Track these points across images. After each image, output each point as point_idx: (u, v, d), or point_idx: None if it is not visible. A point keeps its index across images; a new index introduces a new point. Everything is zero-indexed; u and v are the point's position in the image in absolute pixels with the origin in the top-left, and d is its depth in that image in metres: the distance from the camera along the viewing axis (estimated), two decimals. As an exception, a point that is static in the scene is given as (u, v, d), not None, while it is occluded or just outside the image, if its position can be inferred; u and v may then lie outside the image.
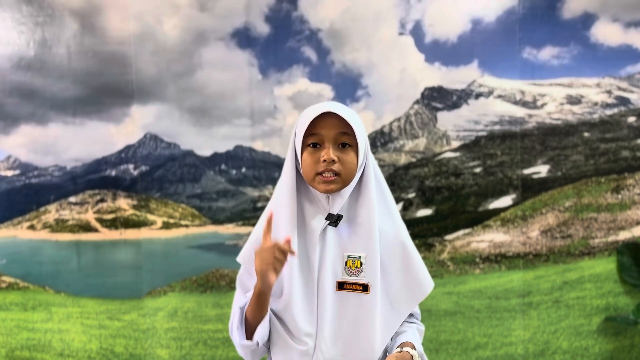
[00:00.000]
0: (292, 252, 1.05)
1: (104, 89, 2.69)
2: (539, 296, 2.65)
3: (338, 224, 1.15)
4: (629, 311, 2.60)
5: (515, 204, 2.68)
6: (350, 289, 1.13)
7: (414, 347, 1.15)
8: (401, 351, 1.12)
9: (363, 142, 1.15)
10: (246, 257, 1.22)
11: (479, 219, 2.70)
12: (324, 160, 1.10)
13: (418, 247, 2.67)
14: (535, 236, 2.69)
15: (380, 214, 1.17)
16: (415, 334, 1.22)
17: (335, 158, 1.11)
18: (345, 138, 1.13)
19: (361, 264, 1.13)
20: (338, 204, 1.15)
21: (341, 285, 1.13)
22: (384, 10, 2.67)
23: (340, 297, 1.13)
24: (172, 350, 2.69)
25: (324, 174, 1.11)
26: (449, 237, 2.71)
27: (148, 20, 2.67)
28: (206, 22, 2.69)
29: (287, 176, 1.16)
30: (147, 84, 2.70)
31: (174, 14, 2.68)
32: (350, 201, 1.17)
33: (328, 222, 1.15)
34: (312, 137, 1.13)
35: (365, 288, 1.12)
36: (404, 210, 2.74)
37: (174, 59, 2.70)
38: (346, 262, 1.14)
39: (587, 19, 2.64)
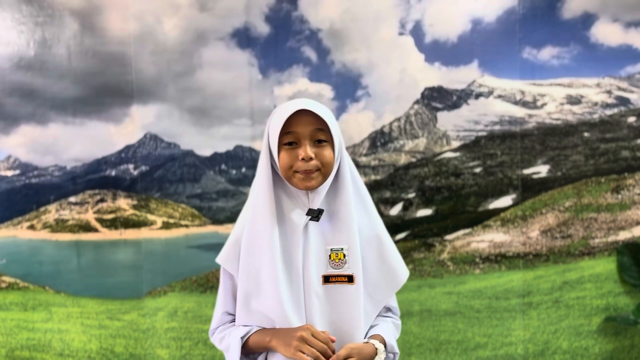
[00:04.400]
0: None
1: (104, 89, 2.69)
2: (539, 296, 2.65)
3: (319, 218, 1.16)
4: (629, 311, 2.59)
5: (515, 204, 2.68)
6: (336, 281, 1.14)
7: (383, 341, 1.17)
8: (367, 342, 1.14)
9: (338, 137, 1.16)
10: (225, 257, 1.22)
11: (479, 219, 2.70)
12: (302, 159, 1.11)
13: (418, 247, 2.69)
14: (535, 236, 2.69)
15: (356, 209, 1.18)
16: (388, 327, 1.24)
17: (313, 155, 1.11)
18: (321, 134, 1.13)
19: (344, 255, 1.15)
20: (317, 199, 1.17)
21: (327, 279, 1.15)
22: (384, 10, 2.67)
23: (327, 290, 1.15)
24: (172, 350, 2.69)
25: (303, 171, 1.12)
26: (449, 237, 2.71)
27: (148, 20, 2.67)
28: (206, 22, 2.69)
29: (262, 175, 1.17)
30: (147, 84, 2.70)
31: (174, 14, 2.67)
32: (328, 196, 1.18)
33: (310, 217, 1.16)
34: (288, 135, 1.13)
35: (350, 279, 1.14)
36: (404, 210, 2.74)
37: (174, 59, 2.70)
38: (330, 255, 1.15)
39: (587, 19, 2.64)
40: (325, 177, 1.15)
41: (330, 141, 1.14)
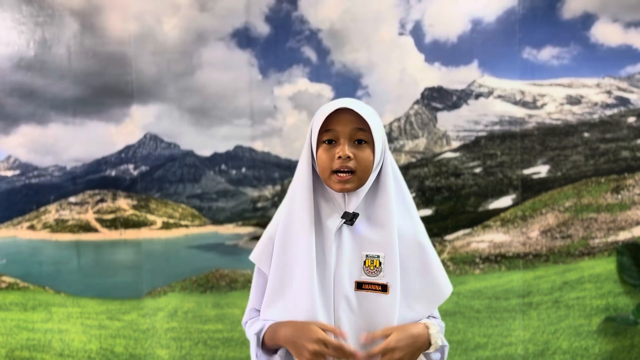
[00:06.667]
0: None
1: (104, 89, 2.69)
2: (539, 296, 2.65)
3: (354, 222, 1.13)
4: (629, 311, 2.59)
5: (515, 204, 2.68)
6: (369, 289, 1.10)
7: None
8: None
9: (380, 140, 1.13)
10: (259, 256, 1.21)
11: (479, 219, 2.70)
12: (339, 157, 1.09)
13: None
14: (535, 236, 2.69)
15: (399, 214, 1.14)
16: (431, 320, 1.19)
17: (351, 154, 1.09)
18: (361, 134, 1.11)
19: (380, 263, 1.10)
20: (354, 202, 1.13)
21: (360, 285, 1.10)
22: (384, 10, 2.67)
23: (358, 297, 1.11)
24: (172, 350, 2.69)
25: (339, 173, 1.10)
26: (449, 237, 2.71)
27: (148, 20, 2.67)
28: (206, 22, 2.69)
29: (302, 173, 1.14)
30: (147, 84, 2.70)
31: (174, 14, 2.67)
32: (367, 200, 1.15)
33: (344, 220, 1.13)
34: (327, 133, 1.11)
35: (384, 288, 1.10)
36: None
37: (174, 59, 2.70)
38: (364, 262, 1.11)
39: (587, 19, 2.64)
40: (361, 181, 1.11)
41: (370, 142, 1.11)
